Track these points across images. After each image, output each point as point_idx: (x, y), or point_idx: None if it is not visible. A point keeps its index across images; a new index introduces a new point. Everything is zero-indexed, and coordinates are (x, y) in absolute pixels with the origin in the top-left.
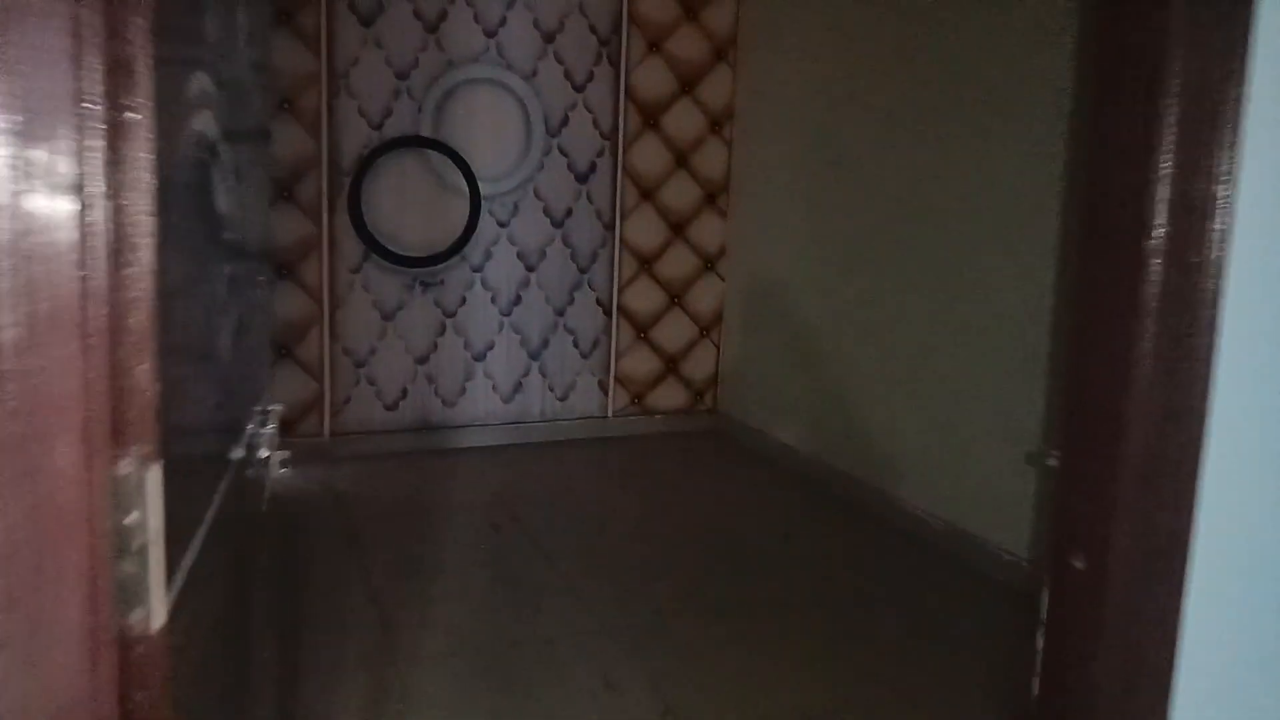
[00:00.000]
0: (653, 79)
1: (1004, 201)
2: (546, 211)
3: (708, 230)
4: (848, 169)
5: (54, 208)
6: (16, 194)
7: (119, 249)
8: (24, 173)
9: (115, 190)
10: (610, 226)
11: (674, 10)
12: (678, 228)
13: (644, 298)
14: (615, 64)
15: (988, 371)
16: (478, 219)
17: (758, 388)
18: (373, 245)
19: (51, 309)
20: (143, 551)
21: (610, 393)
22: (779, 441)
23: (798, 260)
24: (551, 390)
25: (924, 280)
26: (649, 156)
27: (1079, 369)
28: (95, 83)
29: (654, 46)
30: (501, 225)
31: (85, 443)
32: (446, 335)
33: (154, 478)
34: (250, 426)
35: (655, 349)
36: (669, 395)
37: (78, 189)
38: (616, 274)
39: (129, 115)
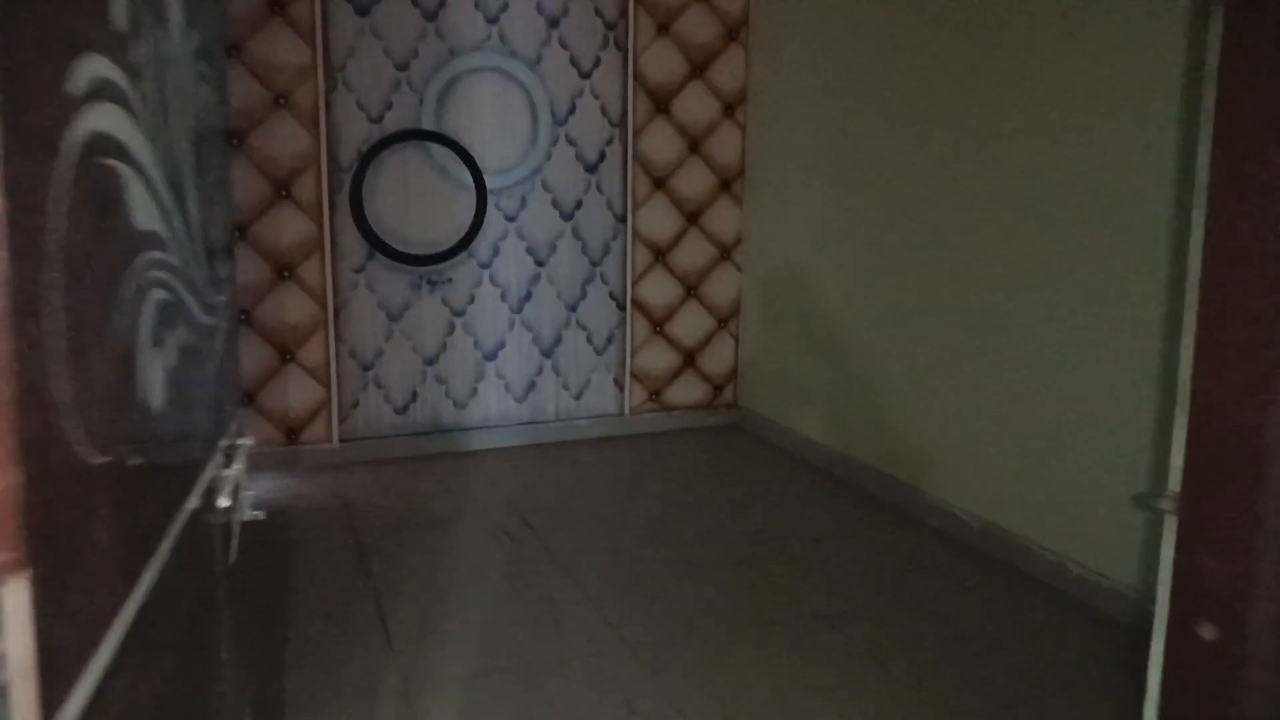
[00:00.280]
0: (662, 63)
1: (1044, 185)
2: (555, 203)
3: (723, 219)
4: (870, 151)
5: None
6: None
7: None
8: None
9: None
10: (622, 217)
11: None
12: (692, 217)
13: (659, 290)
14: (623, 48)
15: (1019, 360)
16: (484, 213)
17: (779, 380)
18: (376, 244)
19: None
20: (3, 694)
21: (626, 389)
22: (802, 435)
23: (818, 247)
24: (565, 389)
25: (951, 266)
26: (660, 143)
27: (1204, 395)
28: None
29: (663, 29)
30: (509, 219)
31: None
32: (455, 335)
33: (16, 596)
34: (209, 469)
35: (672, 343)
36: (687, 390)
37: None
38: (630, 266)
39: None
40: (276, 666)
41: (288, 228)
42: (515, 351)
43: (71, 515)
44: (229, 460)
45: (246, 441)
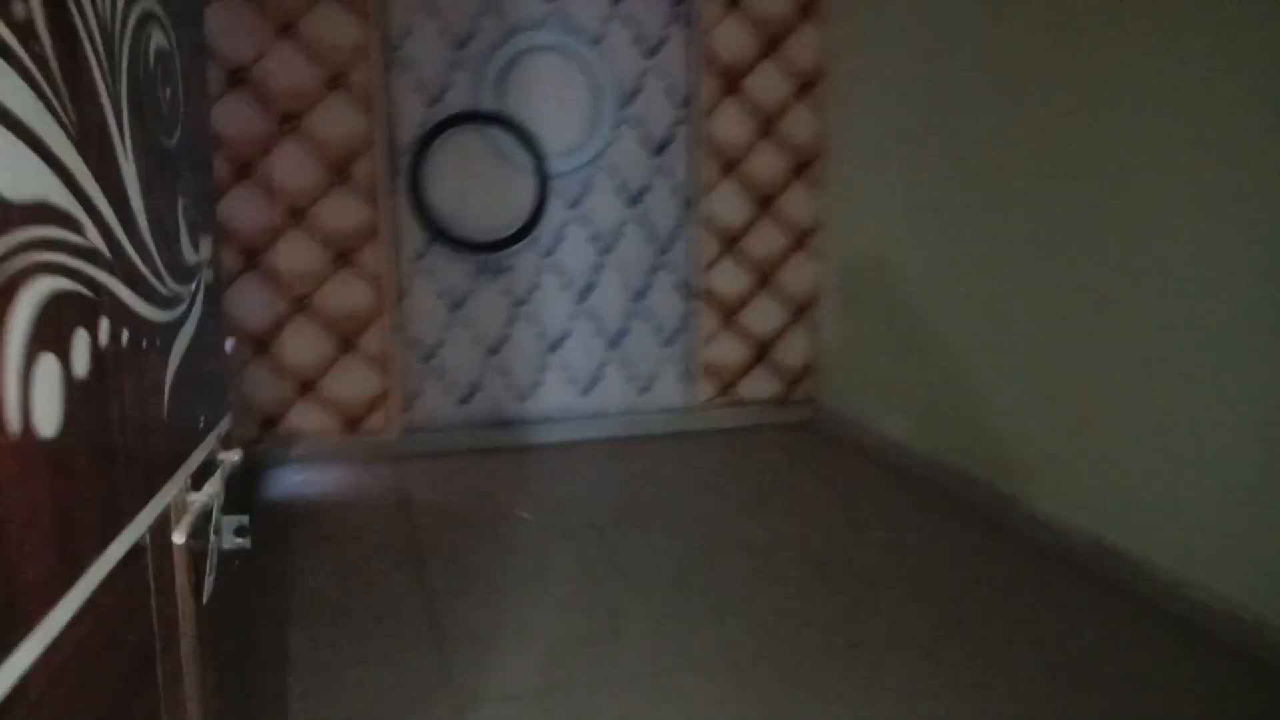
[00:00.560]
0: (732, 39)
1: (1158, 169)
2: (620, 189)
3: (798, 204)
4: (961, 128)
5: None
6: None
7: None
8: None
9: None
10: (690, 203)
11: None
12: (765, 202)
13: (730, 280)
14: (690, 25)
15: (1132, 359)
16: (546, 199)
17: (859, 376)
18: (435, 230)
19: None
20: None
21: (695, 383)
22: (884, 435)
23: (903, 233)
24: (631, 382)
25: (1053, 255)
26: (731, 125)
27: None
28: None
29: (733, 3)
30: (572, 205)
31: None
32: (517, 325)
33: None
34: (162, 495)
35: (743, 335)
36: (759, 385)
37: None
38: (699, 255)
39: None
40: (325, 670)
41: (345, 213)
42: (579, 343)
43: None
44: (199, 481)
45: (232, 456)
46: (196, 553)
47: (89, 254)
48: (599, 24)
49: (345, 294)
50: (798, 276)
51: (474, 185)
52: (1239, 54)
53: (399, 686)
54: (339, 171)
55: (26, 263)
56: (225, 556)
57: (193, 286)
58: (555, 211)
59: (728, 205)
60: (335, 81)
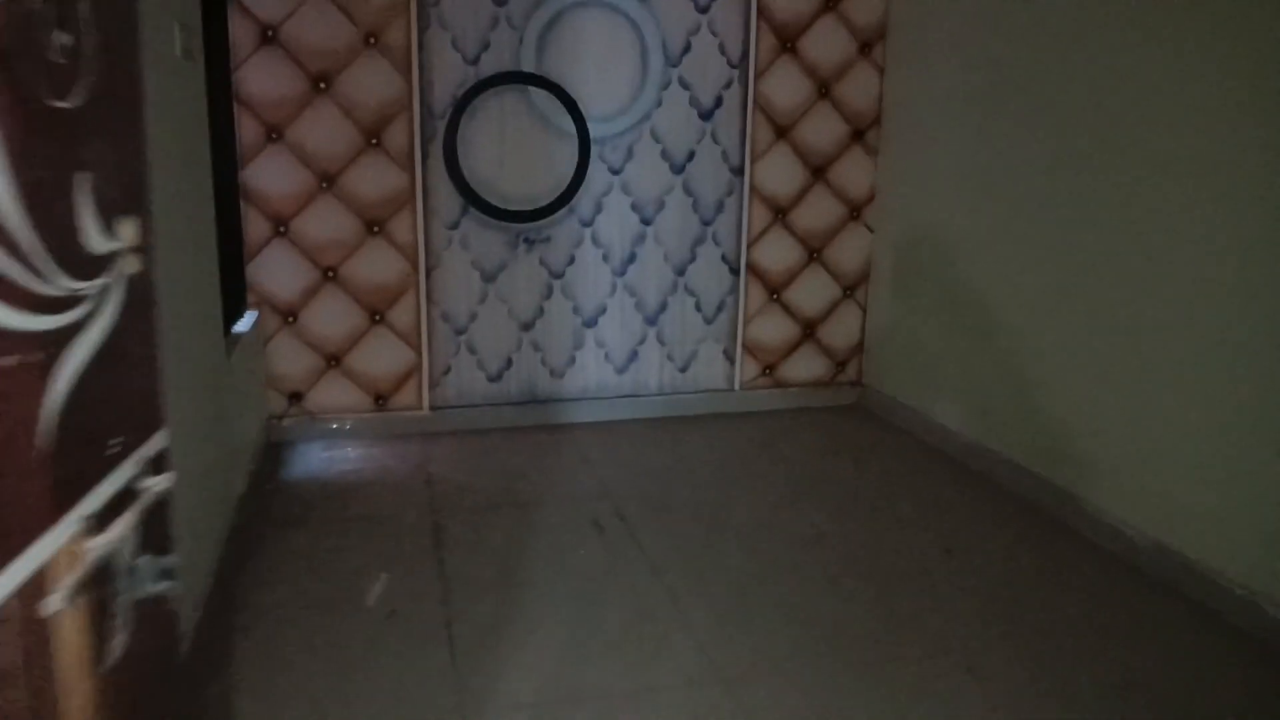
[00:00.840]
0: None
1: (1244, 138)
2: (665, 155)
3: (854, 173)
4: (1032, 94)
5: None
6: None
7: None
8: None
9: None
10: (739, 171)
11: None
12: (818, 171)
13: (778, 253)
14: None
15: (1209, 350)
16: (587, 165)
17: (911, 359)
18: (471, 198)
19: None
20: None
21: (737, 363)
22: (936, 423)
23: (965, 207)
24: (670, 360)
25: (1128, 233)
26: (785, 87)
27: None
28: None
29: None
30: (614, 172)
31: None
32: (554, 298)
33: None
34: (41, 545)
35: (790, 312)
36: (805, 366)
37: None
38: (746, 226)
39: None
40: (329, 672)
41: (377, 179)
42: (617, 318)
43: None
44: (118, 508)
45: (159, 483)
46: (97, 609)
47: None
48: None
49: (375, 264)
50: (849, 251)
51: (511, 151)
52: None
53: (404, 692)
54: (372, 135)
55: None
56: (149, 604)
57: (102, 281)
58: (596, 179)
59: (778, 173)
60: (370, 39)
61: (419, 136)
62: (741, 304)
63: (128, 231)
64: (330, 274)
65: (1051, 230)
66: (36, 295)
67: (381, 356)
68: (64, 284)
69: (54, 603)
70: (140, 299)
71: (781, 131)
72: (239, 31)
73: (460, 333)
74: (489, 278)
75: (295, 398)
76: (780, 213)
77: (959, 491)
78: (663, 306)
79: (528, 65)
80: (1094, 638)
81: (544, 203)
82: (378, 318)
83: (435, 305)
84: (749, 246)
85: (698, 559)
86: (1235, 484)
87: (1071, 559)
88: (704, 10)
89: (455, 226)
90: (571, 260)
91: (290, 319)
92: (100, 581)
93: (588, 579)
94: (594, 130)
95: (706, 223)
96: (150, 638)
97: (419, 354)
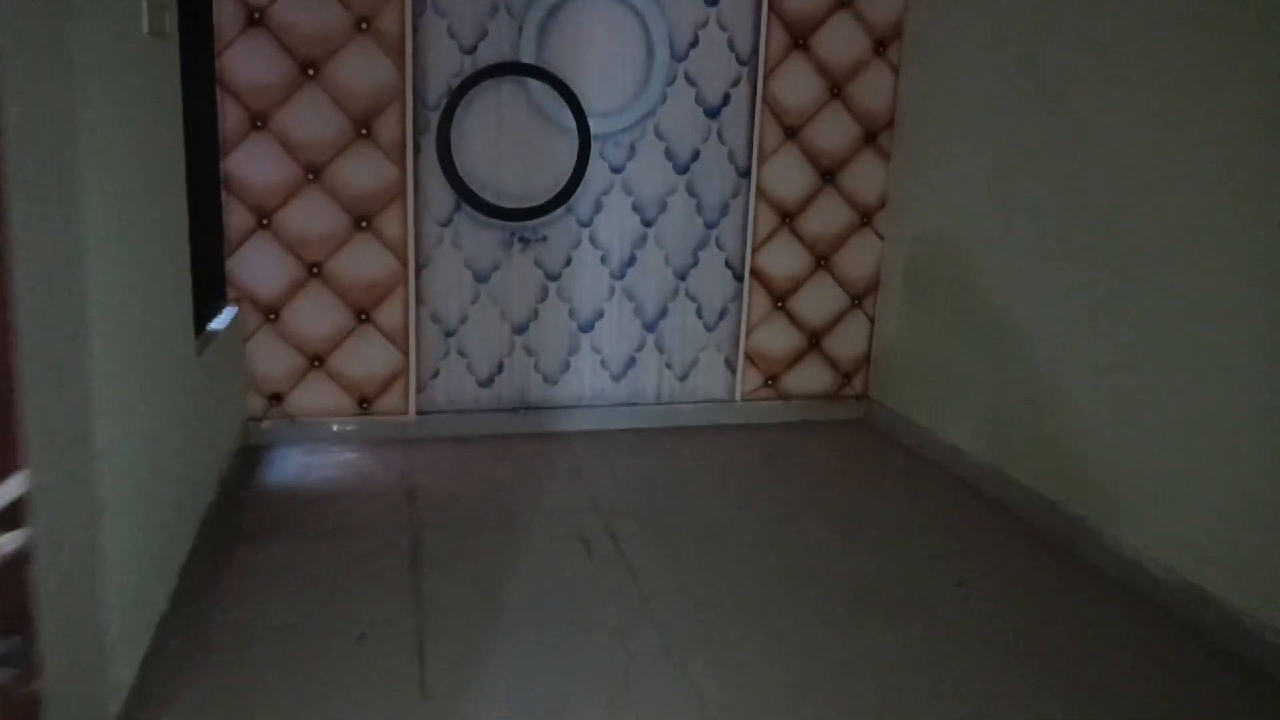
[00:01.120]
0: None
1: None
2: (669, 154)
3: (866, 177)
4: (1054, 98)
5: None
6: None
7: None
8: None
9: None
10: (745, 172)
11: None
12: (828, 174)
13: (784, 259)
14: None
15: (1246, 376)
16: (587, 163)
17: (922, 373)
18: (464, 194)
19: None
20: None
21: (739, 372)
22: (945, 442)
23: (981, 216)
24: (669, 368)
25: (1158, 248)
26: (796, 85)
27: None
28: None
29: None
30: (615, 171)
31: None
32: (549, 301)
33: None
34: None
35: (795, 321)
36: (809, 377)
37: None
38: (751, 230)
39: None
40: (287, 700)
41: (366, 171)
42: (614, 323)
43: None
44: None
45: (4, 544)
46: None
47: None
48: None
49: (363, 261)
50: (859, 258)
51: (508, 146)
52: None
53: None
54: (362, 126)
55: None
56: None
57: None
58: (596, 177)
59: (786, 176)
60: (362, 25)
61: (411, 128)
62: (745, 311)
63: None
64: (315, 270)
65: (1075, 243)
66: None
67: (367, 358)
68: None
69: None
70: None
71: (790, 132)
72: (223, 13)
73: (450, 335)
74: (481, 278)
75: (275, 399)
76: (787, 217)
77: (969, 516)
78: (663, 312)
79: (527, 56)
80: (1117, 683)
81: (541, 201)
82: (364, 317)
83: (425, 305)
84: (754, 251)
85: (690, 586)
86: (1269, 521)
87: (1091, 594)
88: (712, 3)
89: (447, 223)
90: (568, 262)
91: (272, 316)
92: None
93: (572, 605)
94: (595, 126)
95: (710, 226)
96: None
97: (406, 356)
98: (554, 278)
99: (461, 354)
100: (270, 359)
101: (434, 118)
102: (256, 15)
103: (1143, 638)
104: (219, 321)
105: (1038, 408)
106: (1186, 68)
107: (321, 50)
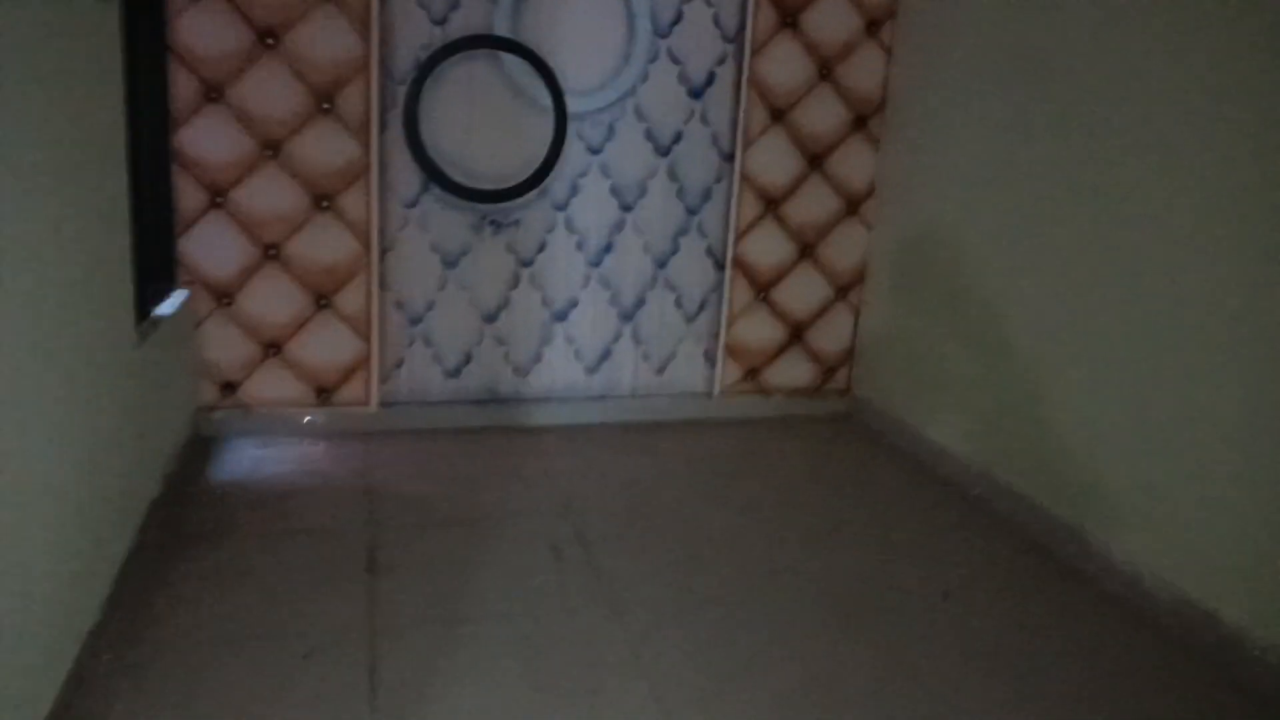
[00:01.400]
0: None
1: None
2: (650, 135)
3: (854, 163)
4: (1053, 84)
5: None
6: None
7: None
8: None
9: None
10: (729, 156)
11: None
12: (815, 159)
13: (767, 248)
14: None
15: (1251, 377)
16: (563, 143)
17: (906, 369)
18: (433, 174)
19: None
20: None
21: (718, 365)
22: (931, 440)
23: (974, 206)
24: (646, 360)
25: (1163, 241)
26: (784, 65)
27: None
28: None
29: None
30: (593, 152)
31: None
32: (521, 288)
33: None
34: None
35: (777, 313)
36: (791, 371)
37: None
38: (734, 217)
39: None
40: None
41: (328, 148)
42: (589, 313)
43: None
44: None
45: None
46: None
47: None
48: None
49: (323, 243)
50: (845, 248)
51: (479, 123)
52: None
53: None
54: (324, 99)
55: None
56: None
57: None
58: (572, 158)
59: (772, 161)
60: None
61: (376, 103)
62: (725, 302)
63: None
64: (272, 252)
65: (1073, 235)
66: None
67: (327, 346)
68: None
69: None
70: None
71: (777, 115)
72: None
73: (416, 322)
74: (450, 263)
75: (228, 388)
76: (772, 204)
77: (955, 520)
78: (640, 301)
79: (501, 29)
80: (1110, 702)
81: (514, 182)
82: (324, 303)
83: (388, 291)
84: (737, 239)
85: (664, 596)
86: (1271, 537)
87: (1083, 608)
88: None
89: (414, 205)
90: (542, 247)
91: (225, 301)
92: None
93: (539, 618)
94: (572, 105)
95: (692, 211)
96: None
97: (369, 344)
98: (527, 264)
99: (427, 343)
100: (223, 346)
101: (401, 92)
102: None
103: (1138, 654)
104: (167, 306)
105: (1032, 408)
106: (1195, 47)
107: (281, 18)
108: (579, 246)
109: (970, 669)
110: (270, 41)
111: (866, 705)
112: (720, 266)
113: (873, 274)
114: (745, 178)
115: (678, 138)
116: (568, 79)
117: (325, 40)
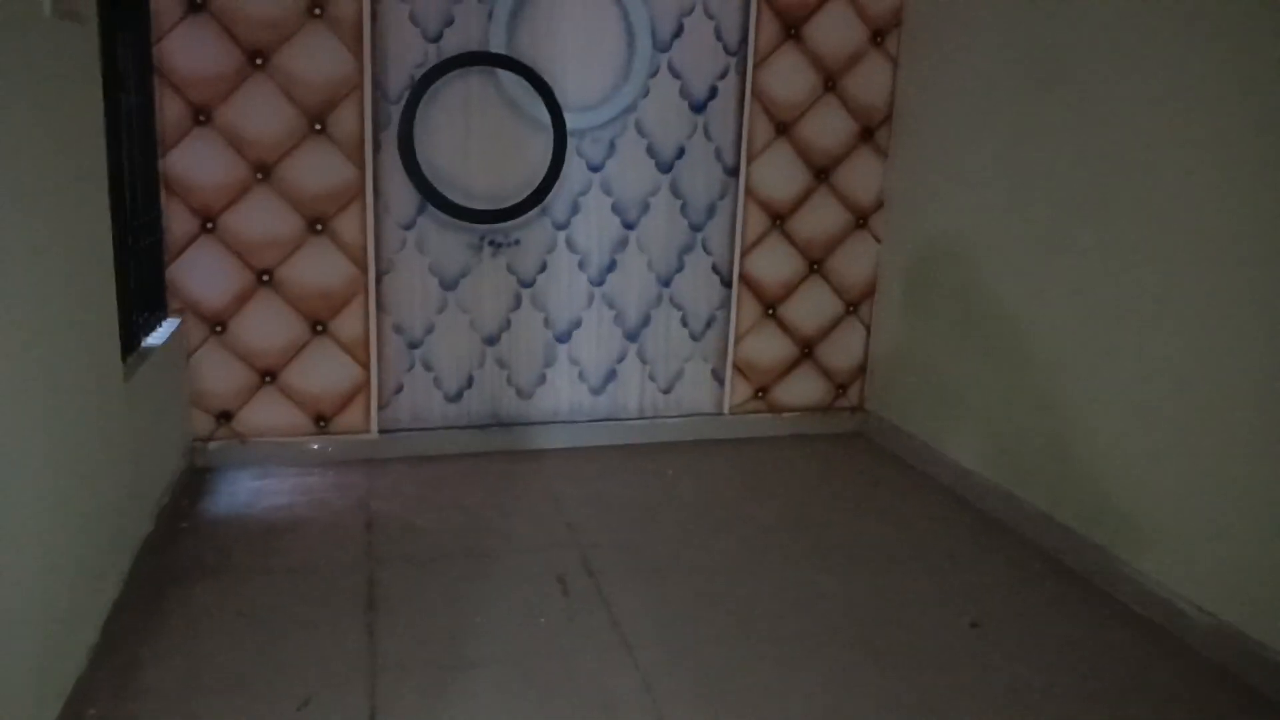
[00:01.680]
0: None
1: None
2: (652, 151)
3: (861, 176)
4: (1067, 92)
5: None
6: None
7: None
8: None
9: None
10: (733, 171)
11: None
12: (822, 173)
13: (775, 264)
14: None
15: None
16: (562, 161)
17: (921, 385)
18: (429, 194)
19: None
20: None
21: (727, 384)
22: (948, 459)
23: (987, 217)
24: (653, 380)
25: (1188, 254)
26: (788, 78)
27: None
28: None
29: None
30: (594, 169)
31: None
32: (522, 310)
33: None
34: None
35: (786, 330)
36: (802, 389)
37: None
38: (739, 233)
39: None
40: None
41: (322, 169)
42: (593, 333)
43: None
44: None
45: None
46: None
47: None
48: None
49: (318, 267)
50: (854, 263)
51: (477, 142)
52: None
53: None
54: (316, 120)
55: None
56: None
57: None
58: (572, 176)
59: (777, 175)
60: (315, 9)
61: (371, 123)
62: (733, 319)
63: None
64: (265, 278)
65: (1091, 245)
66: None
67: (324, 372)
68: None
69: None
70: None
71: (782, 128)
72: None
73: (415, 346)
74: (449, 285)
75: (224, 418)
76: (778, 219)
77: (978, 544)
78: (645, 321)
79: (497, 45)
80: None
81: (513, 202)
82: (320, 328)
83: (386, 315)
84: (743, 256)
85: (677, 630)
86: None
87: (1117, 635)
88: None
89: (411, 226)
90: (543, 267)
91: (218, 328)
92: None
93: (546, 656)
94: (571, 121)
95: (696, 228)
96: None
97: (367, 370)
98: (528, 284)
99: (427, 367)
100: (217, 375)
101: (396, 112)
102: None
103: (1175, 681)
104: (157, 336)
105: (1051, 424)
106: (1213, 49)
107: (271, 37)
108: (581, 266)
109: (985, 703)
110: (259, 61)
111: None
112: (726, 283)
113: (883, 288)
114: (750, 192)
115: (680, 153)
116: (566, 95)
117: (316, 59)
